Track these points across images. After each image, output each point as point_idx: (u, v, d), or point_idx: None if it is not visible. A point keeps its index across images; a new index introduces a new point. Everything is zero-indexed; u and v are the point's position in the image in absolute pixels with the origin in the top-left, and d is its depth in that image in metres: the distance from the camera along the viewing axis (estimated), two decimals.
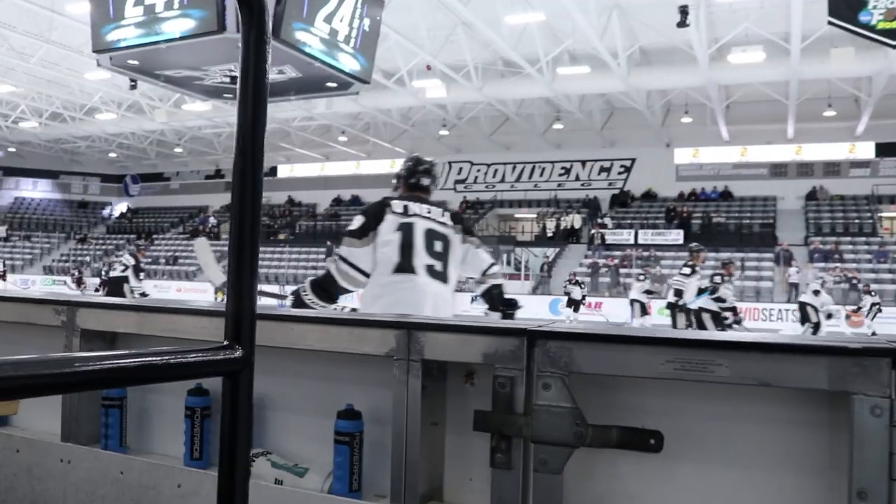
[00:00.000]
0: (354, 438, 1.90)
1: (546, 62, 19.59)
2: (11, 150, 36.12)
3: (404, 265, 3.25)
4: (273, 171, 36.94)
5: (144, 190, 40.62)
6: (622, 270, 24.29)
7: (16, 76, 23.89)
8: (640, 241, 25.60)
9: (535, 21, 17.95)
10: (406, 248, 3.26)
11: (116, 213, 40.08)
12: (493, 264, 3.63)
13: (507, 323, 1.96)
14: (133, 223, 38.16)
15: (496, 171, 31.81)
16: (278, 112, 26.47)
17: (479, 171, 32.15)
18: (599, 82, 21.45)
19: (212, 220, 35.06)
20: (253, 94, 0.91)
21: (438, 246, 3.34)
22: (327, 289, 3.36)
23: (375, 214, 3.33)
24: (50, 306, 2.44)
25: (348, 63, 4.66)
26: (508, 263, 25.46)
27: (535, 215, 29.77)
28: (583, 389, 1.59)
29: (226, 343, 0.89)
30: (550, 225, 28.01)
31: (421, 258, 3.27)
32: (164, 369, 0.84)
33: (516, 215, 31.12)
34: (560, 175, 30.62)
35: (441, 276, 3.32)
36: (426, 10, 17.53)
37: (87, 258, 34.12)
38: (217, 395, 2.11)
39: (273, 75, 4.96)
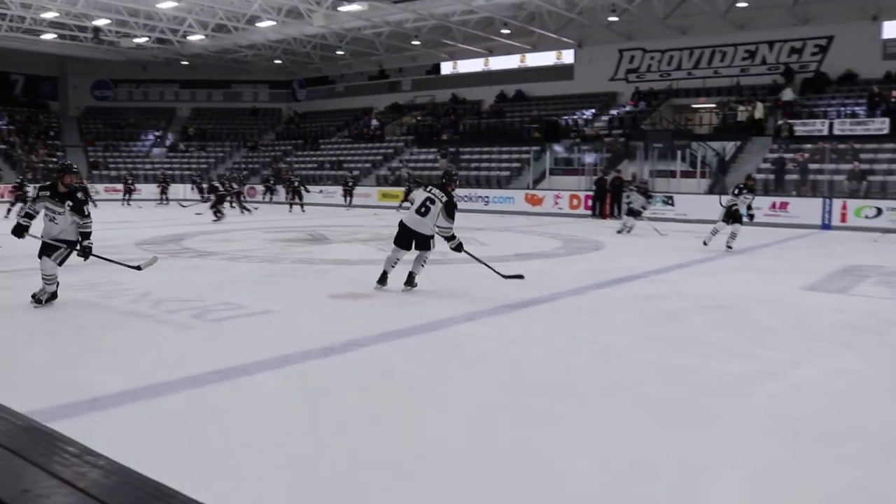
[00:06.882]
0: None
1: None
2: (185, 63, 37.67)
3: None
4: (436, 68, 36.18)
5: (311, 94, 41.33)
6: (812, 166, 21.71)
7: None
8: (836, 132, 22.66)
9: None
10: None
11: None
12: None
13: None
14: (301, 128, 39.02)
15: (671, 57, 29.17)
16: (435, 7, 25.47)
17: (652, 58, 29.64)
18: None
19: (374, 123, 35.03)
20: None
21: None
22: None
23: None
24: None
25: None
26: (683, 160, 23.52)
27: (714, 105, 27.17)
28: None
29: None
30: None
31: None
32: None
33: (693, 106, 28.54)
34: (743, 59, 27.59)
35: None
36: None
37: (257, 165, 35.46)
38: None
39: None
